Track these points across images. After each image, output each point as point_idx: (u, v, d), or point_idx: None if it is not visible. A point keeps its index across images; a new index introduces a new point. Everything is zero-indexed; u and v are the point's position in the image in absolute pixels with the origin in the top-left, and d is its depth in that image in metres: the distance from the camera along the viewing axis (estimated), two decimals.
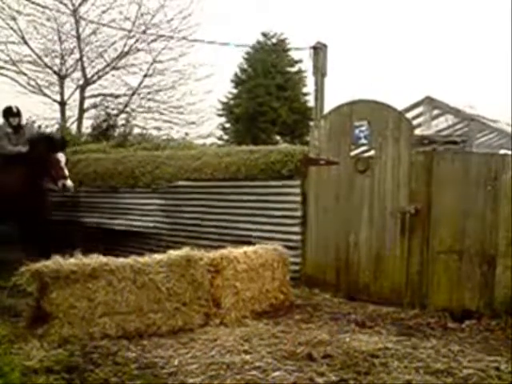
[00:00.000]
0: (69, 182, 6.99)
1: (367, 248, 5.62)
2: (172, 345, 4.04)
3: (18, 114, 7.59)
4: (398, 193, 5.45)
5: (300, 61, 21.67)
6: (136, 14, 15.95)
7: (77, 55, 16.30)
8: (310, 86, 18.92)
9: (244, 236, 6.33)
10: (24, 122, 8.14)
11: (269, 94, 20.95)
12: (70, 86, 16.78)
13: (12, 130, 7.53)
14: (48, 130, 12.40)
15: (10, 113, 7.56)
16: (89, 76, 16.57)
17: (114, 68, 16.72)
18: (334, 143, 5.90)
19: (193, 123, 17.36)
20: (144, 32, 15.94)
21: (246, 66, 22.27)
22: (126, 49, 16.30)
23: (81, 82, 16.63)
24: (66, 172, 7.05)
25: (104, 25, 15.45)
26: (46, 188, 7.26)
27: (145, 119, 17.19)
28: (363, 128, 5.68)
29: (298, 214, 6.11)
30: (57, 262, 4.10)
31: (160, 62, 16.59)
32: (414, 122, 8.91)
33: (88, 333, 4.06)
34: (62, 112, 16.55)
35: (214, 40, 12.96)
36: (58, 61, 16.44)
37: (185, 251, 4.65)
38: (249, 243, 5.62)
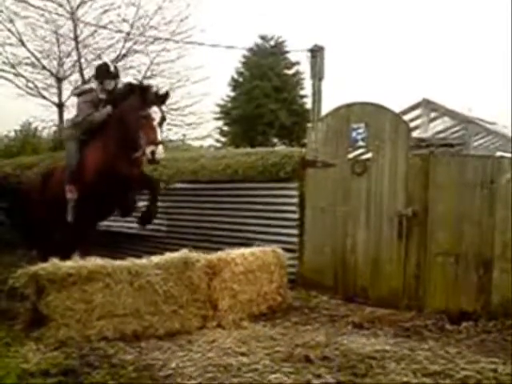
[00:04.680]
0: (160, 150, 5.17)
1: (364, 250, 5.63)
2: (169, 347, 4.04)
3: (115, 75, 5.98)
4: (395, 195, 5.45)
5: (297, 63, 21.73)
6: (134, 17, 15.97)
7: (75, 57, 16.31)
8: (307, 89, 18.98)
9: (241, 238, 6.33)
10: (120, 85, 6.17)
11: (266, 96, 20.97)
12: (67, 88, 16.77)
13: (106, 95, 5.90)
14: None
15: (105, 73, 5.93)
16: (87, 78, 16.57)
17: None
18: (331, 146, 5.90)
19: (189, 125, 17.35)
20: (142, 34, 15.95)
21: (243, 70, 22.29)
22: (123, 51, 16.32)
23: (79, 84, 16.63)
24: (158, 135, 5.25)
25: (102, 27, 15.46)
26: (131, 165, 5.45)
27: None
28: (360, 130, 5.68)
29: (296, 216, 6.11)
30: (54, 264, 4.09)
31: (157, 64, 16.61)
32: (412, 125, 8.92)
33: (85, 335, 4.04)
34: (60, 114, 16.53)
35: (212, 43, 12.99)
36: (55, 63, 16.44)
37: (182, 253, 4.64)
38: (246, 245, 5.62)
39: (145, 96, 5.36)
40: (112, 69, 5.97)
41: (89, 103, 5.93)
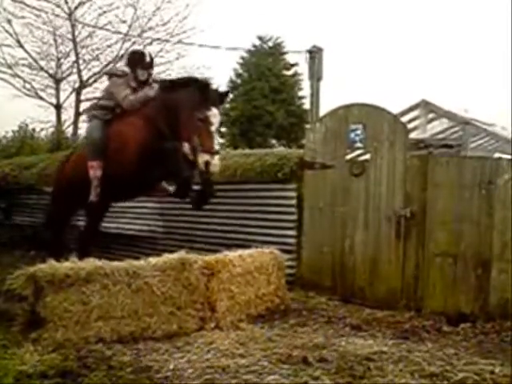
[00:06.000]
0: (216, 161, 4.58)
1: (363, 251, 5.63)
2: (167, 349, 4.03)
3: (150, 65, 5.52)
4: (394, 196, 5.46)
5: (296, 64, 21.75)
6: (132, 17, 16.00)
7: (72, 58, 16.31)
8: (305, 90, 18.99)
9: (239, 239, 6.32)
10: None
11: (264, 97, 20.98)
12: (65, 89, 16.78)
13: (137, 84, 5.42)
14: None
15: (139, 62, 5.41)
16: (84, 79, 16.57)
17: None
18: (329, 147, 5.90)
19: None
20: (140, 35, 15.96)
21: (241, 71, 22.30)
22: (122, 52, 16.33)
23: (76, 85, 16.63)
24: (215, 142, 4.66)
25: (100, 28, 15.48)
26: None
27: None
28: (358, 131, 5.69)
29: (294, 217, 6.11)
30: (52, 265, 4.08)
31: (156, 65, 16.60)
32: (410, 126, 8.94)
33: (82, 337, 4.03)
34: (58, 115, 16.54)
35: (211, 44, 13.00)
36: (53, 64, 16.45)
37: (180, 254, 4.63)
38: (244, 246, 5.61)
39: (205, 94, 4.69)
40: (147, 58, 5.47)
41: (123, 86, 5.42)
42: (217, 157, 4.66)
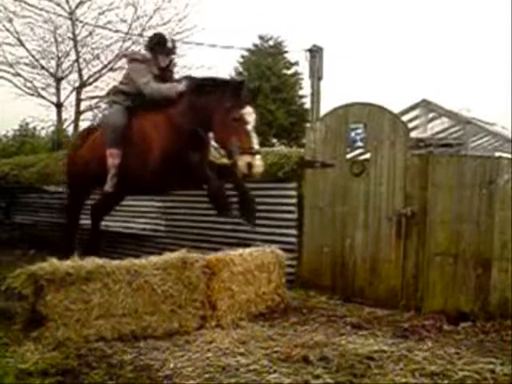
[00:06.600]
0: (258, 161, 4.38)
1: (363, 251, 5.63)
2: (168, 347, 4.03)
3: (171, 51, 5.31)
4: (394, 196, 5.46)
5: (296, 63, 21.74)
6: (132, 17, 16.00)
7: (73, 57, 16.31)
8: (306, 89, 18.98)
9: (240, 238, 6.33)
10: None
11: (265, 96, 20.97)
12: (66, 87, 16.77)
13: (159, 71, 5.20)
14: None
15: (160, 46, 5.19)
16: (85, 78, 16.57)
17: (111, 70, 16.73)
18: (329, 146, 5.91)
19: None
20: (140, 34, 15.96)
21: (241, 70, 22.30)
22: (122, 50, 16.32)
23: (77, 84, 16.63)
24: (255, 142, 4.39)
25: (100, 27, 15.48)
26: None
27: None
28: (359, 131, 5.69)
29: (294, 216, 6.11)
30: (52, 264, 4.08)
31: None
32: (410, 125, 8.95)
33: (83, 335, 4.04)
34: (59, 114, 16.54)
35: (211, 43, 13.00)
36: (54, 63, 16.45)
37: (180, 253, 4.64)
38: (245, 245, 5.62)
39: (238, 92, 4.46)
40: (169, 44, 5.24)
41: (144, 72, 5.13)
42: (258, 156, 4.45)
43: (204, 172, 4.78)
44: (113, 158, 5.29)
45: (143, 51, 5.61)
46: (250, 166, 4.40)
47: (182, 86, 5.05)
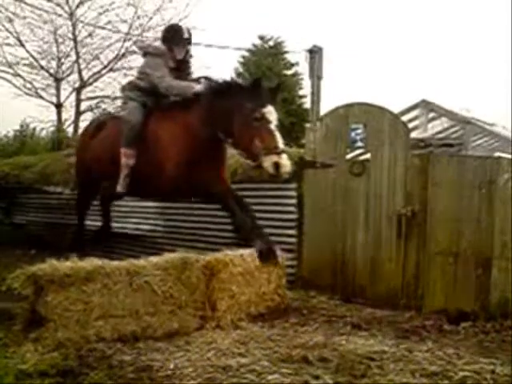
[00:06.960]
0: (285, 161, 4.28)
1: (363, 251, 5.63)
2: (168, 348, 4.02)
3: (187, 41, 5.09)
4: (394, 196, 5.46)
5: (296, 63, 21.75)
6: (133, 17, 15.98)
7: (73, 57, 16.30)
8: (306, 89, 18.99)
9: (240, 238, 6.31)
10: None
11: None
12: (66, 88, 16.77)
13: (175, 64, 5.03)
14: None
15: (176, 38, 4.97)
16: (85, 78, 16.57)
17: (111, 70, 16.73)
18: (329, 146, 5.90)
19: None
20: (141, 34, 15.95)
21: (241, 70, 22.31)
22: (122, 51, 16.33)
23: (77, 85, 16.62)
24: (279, 141, 4.30)
25: (101, 27, 15.47)
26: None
27: None
28: (359, 131, 5.69)
29: (294, 216, 6.11)
30: (52, 264, 4.08)
31: None
32: (410, 125, 8.94)
33: (83, 336, 4.04)
34: (59, 114, 16.54)
35: (211, 43, 12.99)
36: (54, 63, 16.44)
37: (181, 254, 4.64)
38: (245, 246, 5.61)
39: (257, 91, 4.33)
40: (186, 34, 5.01)
41: (160, 66, 4.95)
42: (285, 156, 4.33)
43: (228, 206, 4.78)
44: (127, 158, 5.20)
45: (158, 43, 5.43)
46: (277, 165, 4.30)
47: (199, 87, 4.92)
